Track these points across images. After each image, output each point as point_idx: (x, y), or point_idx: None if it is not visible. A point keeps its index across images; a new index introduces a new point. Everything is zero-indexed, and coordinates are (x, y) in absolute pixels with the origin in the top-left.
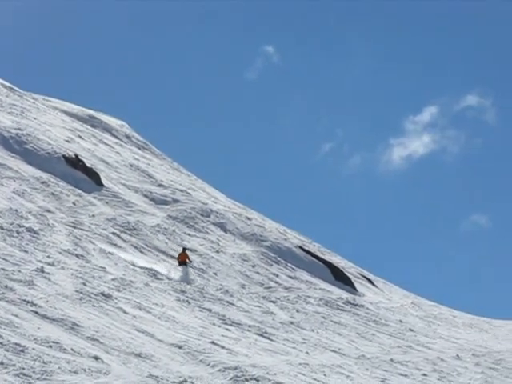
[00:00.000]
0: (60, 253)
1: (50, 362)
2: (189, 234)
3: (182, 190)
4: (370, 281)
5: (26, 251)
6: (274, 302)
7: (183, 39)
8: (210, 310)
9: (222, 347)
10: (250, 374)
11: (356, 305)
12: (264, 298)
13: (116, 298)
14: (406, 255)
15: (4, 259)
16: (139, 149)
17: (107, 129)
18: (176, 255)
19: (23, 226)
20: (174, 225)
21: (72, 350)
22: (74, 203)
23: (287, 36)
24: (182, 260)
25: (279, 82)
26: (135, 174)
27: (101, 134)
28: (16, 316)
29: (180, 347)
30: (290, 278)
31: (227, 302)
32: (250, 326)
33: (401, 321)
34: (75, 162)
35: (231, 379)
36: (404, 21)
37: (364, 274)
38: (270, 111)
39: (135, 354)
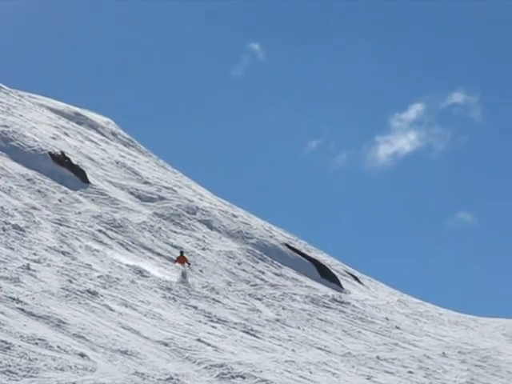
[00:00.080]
0: (46, 250)
1: (36, 359)
2: (175, 232)
3: (167, 188)
4: (356, 278)
5: (12, 248)
6: (260, 299)
7: (169, 37)
8: (196, 308)
9: (208, 344)
10: (236, 372)
11: (342, 302)
12: (250, 295)
13: (102, 296)
14: (392, 252)
15: None
16: (125, 146)
17: (93, 126)
18: (162, 252)
19: (9, 224)
20: (160, 222)
21: (58, 347)
22: (60, 200)
23: (273, 33)
24: (181, 263)
25: (265, 80)
26: (121, 171)
27: (87, 131)
28: (2, 313)
29: (166, 344)
30: (276, 275)
31: (213, 299)
32: (236, 324)
33: (387, 318)
34: (61, 159)
35: (217, 376)
36: (391, 19)
37: (350, 272)
38: (255, 108)
39: (121, 352)
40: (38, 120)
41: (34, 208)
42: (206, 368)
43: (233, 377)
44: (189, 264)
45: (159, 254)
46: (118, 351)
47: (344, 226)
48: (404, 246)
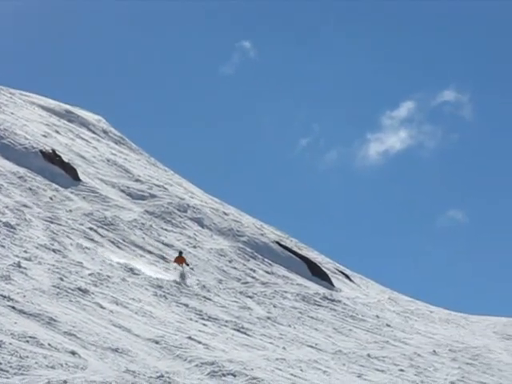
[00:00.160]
0: (37, 248)
1: (27, 356)
2: (166, 230)
3: (158, 185)
4: (346, 276)
5: (2, 246)
6: (250, 297)
7: (159, 35)
8: (186, 305)
9: (199, 342)
10: (227, 369)
11: (333, 300)
12: (241, 293)
13: (93, 293)
14: (382, 250)
15: None
16: (116, 144)
17: (84, 124)
18: (153, 250)
19: (0, 221)
20: (151, 220)
21: (49, 344)
22: (51, 198)
23: (264, 31)
24: (179, 264)
25: (256, 78)
26: (112, 169)
27: (78, 129)
28: None
29: (157, 342)
30: (267, 273)
31: (204, 297)
32: (226, 321)
33: (378, 316)
34: (52, 157)
35: (208, 374)
36: (382, 17)
37: (341, 270)
38: (246, 107)
39: (112, 349)
40: (29, 118)
41: (25, 206)
42: (196, 366)
43: (224, 375)
44: (187, 264)
45: (150, 252)
46: (108, 349)
47: (335, 223)
48: (395, 244)
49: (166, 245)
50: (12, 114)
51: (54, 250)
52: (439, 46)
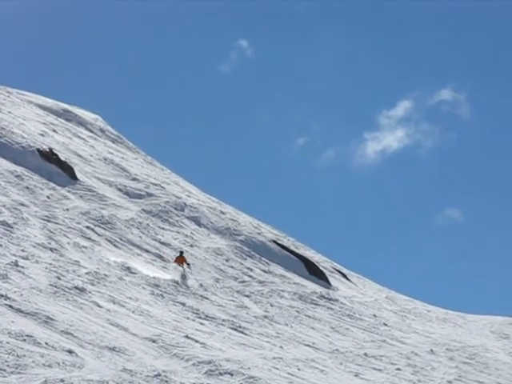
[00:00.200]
0: (34, 246)
1: (24, 355)
2: (163, 228)
3: (156, 184)
4: (344, 275)
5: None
6: (248, 296)
7: (157, 33)
8: (184, 304)
9: (196, 341)
10: (224, 368)
11: (330, 299)
12: (238, 292)
13: (90, 292)
14: (379, 249)
15: None
16: (113, 142)
17: (81, 122)
18: (150, 249)
19: None
20: (148, 219)
21: (46, 343)
22: (48, 197)
23: (261, 30)
24: (180, 264)
25: (253, 76)
26: (109, 167)
27: (75, 128)
28: None
29: (154, 341)
30: (264, 272)
31: (201, 296)
32: (224, 320)
33: (375, 315)
34: (49, 156)
35: (205, 373)
36: (378, 16)
37: (338, 269)
38: (243, 105)
39: (109, 348)
40: (26, 116)
41: (22, 204)
42: (193, 365)
43: (221, 373)
44: (188, 264)
45: (147, 251)
46: (105, 348)
47: (332, 223)
48: (392, 243)
49: (163, 244)
50: (9, 112)
51: (51, 249)
52: (436, 45)
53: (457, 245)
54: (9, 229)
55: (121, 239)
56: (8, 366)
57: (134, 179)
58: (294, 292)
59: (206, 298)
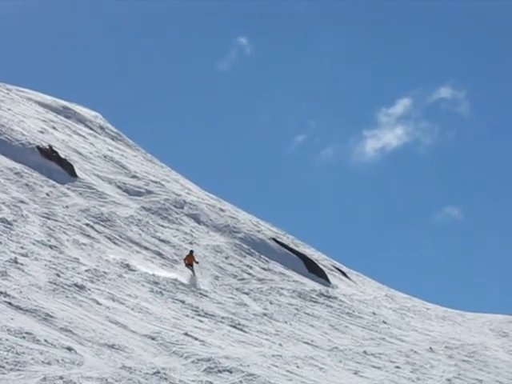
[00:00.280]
0: (33, 244)
1: (24, 352)
2: (162, 226)
3: (155, 182)
4: (343, 273)
5: None
6: (247, 293)
7: (156, 31)
8: (183, 302)
9: (196, 339)
10: (223, 366)
11: (329, 297)
12: (237, 289)
13: (89, 289)
14: (379, 247)
15: None
16: (113, 140)
17: (81, 120)
18: (149, 246)
19: None
20: (148, 216)
21: (45, 340)
22: (47, 194)
23: (261, 28)
24: (189, 262)
25: (252, 74)
26: (109, 165)
27: (75, 125)
28: None
29: (153, 338)
30: (264, 269)
31: (200, 293)
32: (223, 318)
33: (374, 313)
34: (49, 153)
35: (204, 371)
36: (378, 14)
37: (337, 266)
38: (242, 103)
39: (108, 345)
40: (26, 114)
41: (22, 202)
42: (193, 362)
43: (220, 371)
44: (197, 262)
45: (146, 248)
46: (105, 345)
47: (331, 220)
48: (391, 241)
49: (163, 241)
50: (9, 109)
51: (50, 246)
52: (435, 43)
53: (456, 243)
54: (8, 226)
55: (120, 236)
56: (7, 363)
57: (134, 177)
58: (293, 290)
59: (205, 296)
